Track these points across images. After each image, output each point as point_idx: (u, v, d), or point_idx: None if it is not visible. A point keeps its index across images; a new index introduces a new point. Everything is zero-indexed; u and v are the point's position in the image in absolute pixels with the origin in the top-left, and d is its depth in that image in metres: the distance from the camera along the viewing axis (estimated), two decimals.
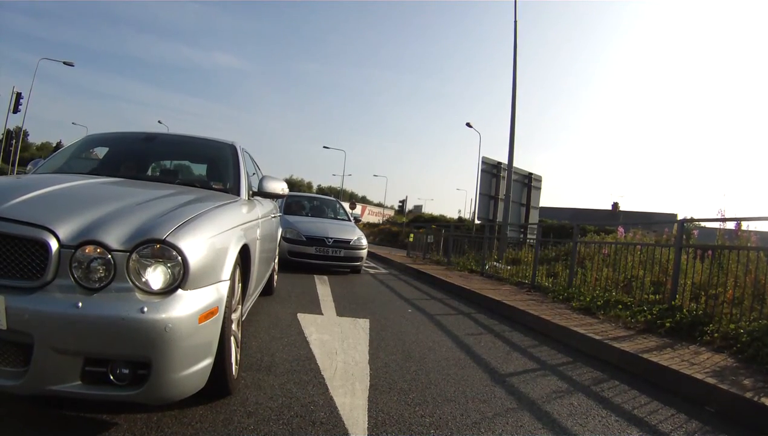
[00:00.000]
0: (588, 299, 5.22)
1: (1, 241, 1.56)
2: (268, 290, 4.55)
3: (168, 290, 1.62)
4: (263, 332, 3.32)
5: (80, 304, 1.50)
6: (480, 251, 9.80)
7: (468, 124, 27.25)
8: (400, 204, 52.31)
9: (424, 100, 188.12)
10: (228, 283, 1.92)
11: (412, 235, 15.42)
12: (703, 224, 5.44)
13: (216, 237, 1.92)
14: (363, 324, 3.91)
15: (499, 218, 11.60)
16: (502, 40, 19.06)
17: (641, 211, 40.44)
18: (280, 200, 7.27)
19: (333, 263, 7.61)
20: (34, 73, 28.95)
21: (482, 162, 11.91)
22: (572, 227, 6.85)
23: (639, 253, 5.48)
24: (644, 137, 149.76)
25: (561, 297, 5.78)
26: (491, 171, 11.88)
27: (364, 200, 76.39)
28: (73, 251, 1.56)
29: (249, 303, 2.96)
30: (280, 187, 3.29)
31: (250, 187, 3.23)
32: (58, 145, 61.27)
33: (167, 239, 1.64)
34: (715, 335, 3.70)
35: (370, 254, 10.58)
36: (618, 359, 3.39)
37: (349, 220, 9.40)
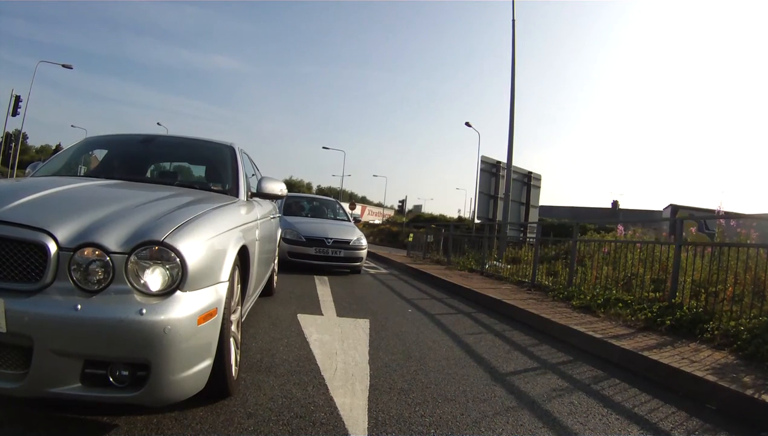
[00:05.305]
0: (588, 298, 5.22)
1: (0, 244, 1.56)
2: (268, 291, 4.55)
3: (167, 292, 1.62)
4: (263, 333, 3.32)
5: (79, 306, 1.50)
6: (480, 250, 9.81)
7: (467, 124, 27.25)
8: (400, 204, 52.25)
9: (423, 99, 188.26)
10: (227, 284, 1.92)
11: (411, 234, 15.45)
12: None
13: (214, 238, 1.92)
14: (363, 324, 3.91)
15: (499, 217, 11.60)
16: (501, 39, 19.21)
17: (641, 209, 40.43)
18: (279, 201, 7.28)
19: (333, 264, 7.61)
20: (32, 76, 29.07)
21: (481, 161, 11.91)
22: (572, 226, 6.85)
23: (639, 251, 5.48)
24: (644, 135, 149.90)
25: (561, 296, 5.78)
26: (490, 170, 11.89)
27: (363, 200, 76.46)
28: (71, 253, 1.56)
29: (249, 304, 2.96)
30: (279, 188, 3.29)
31: (248, 188, 3.23)
32: (57, 148, 61.23)
33: (165, 240, 1.64)
34: (716, 332, 3.70)
35: (370, 254, 10.58)
36: (618, 357, 3.39)
37: (349, 220, 9.40)
